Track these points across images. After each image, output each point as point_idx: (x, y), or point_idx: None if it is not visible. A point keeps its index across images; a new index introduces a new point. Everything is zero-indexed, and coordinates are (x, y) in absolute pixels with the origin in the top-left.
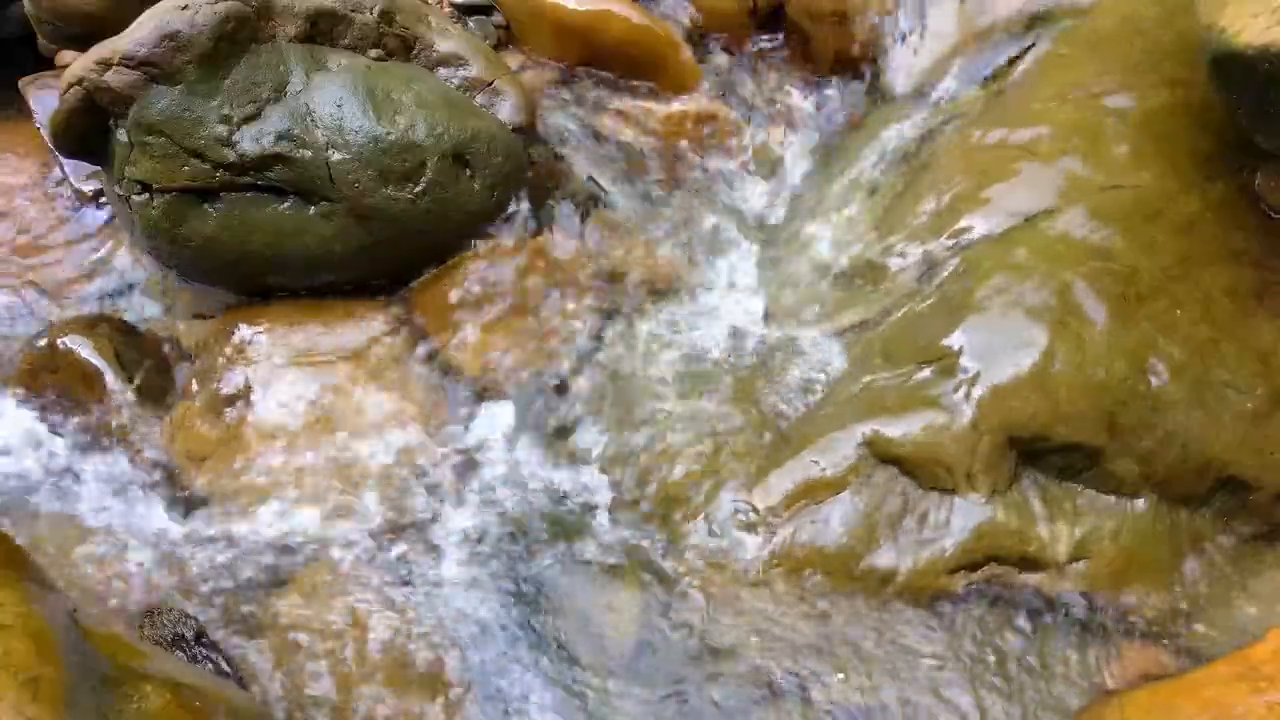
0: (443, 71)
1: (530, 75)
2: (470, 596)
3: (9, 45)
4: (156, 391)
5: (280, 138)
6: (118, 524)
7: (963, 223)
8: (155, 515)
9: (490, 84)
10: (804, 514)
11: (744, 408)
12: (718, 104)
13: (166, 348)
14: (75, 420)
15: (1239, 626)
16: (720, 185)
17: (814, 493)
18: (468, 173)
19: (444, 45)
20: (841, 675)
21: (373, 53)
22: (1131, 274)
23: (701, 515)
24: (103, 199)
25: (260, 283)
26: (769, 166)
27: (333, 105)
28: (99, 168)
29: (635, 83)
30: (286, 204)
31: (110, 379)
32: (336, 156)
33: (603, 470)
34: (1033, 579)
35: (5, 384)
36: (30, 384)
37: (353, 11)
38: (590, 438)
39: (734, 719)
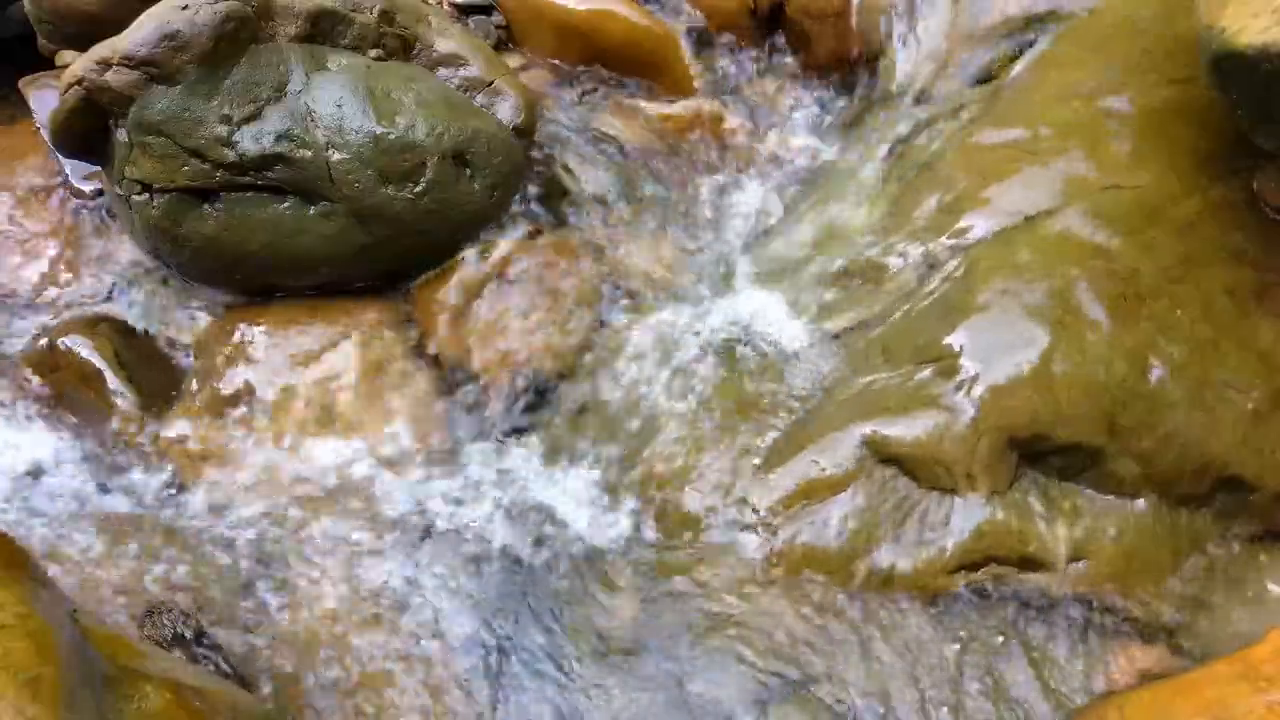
0: (443, 71)
1: (530, 75)
2: (468, 595)
3: (9, 45)
4: (156, 391)
5: (280, 138)
6: (117, 523)
7: (963, 223)
8: (155, 515)
9: (490, 84)
10: (804, 514)
11: (743, 407)
12: (718, 104)
13: (166, 348)
14: (75, 420)
15: (1239, 626)
16: (720, 185)
17: (814, 493)
18: (468, 173)
19: (444, 45)
20: (841, 675)
21: (373, 53)
22: (1131, 274)
23: (701, 515)
24: (103, 199)
25: (260, 283)
26: (768, 166)
27: (333, 105)
28: (99, 167)
29: (636, 83)
30: (286, 204)
31: (110, 379)
32: (336, 156)
33: (601, 470)
34: (1033, 579)
35: (5, 384)
36: (30, 384)
37: (353, 11)
38: (589, 437)
39: (732, 719)
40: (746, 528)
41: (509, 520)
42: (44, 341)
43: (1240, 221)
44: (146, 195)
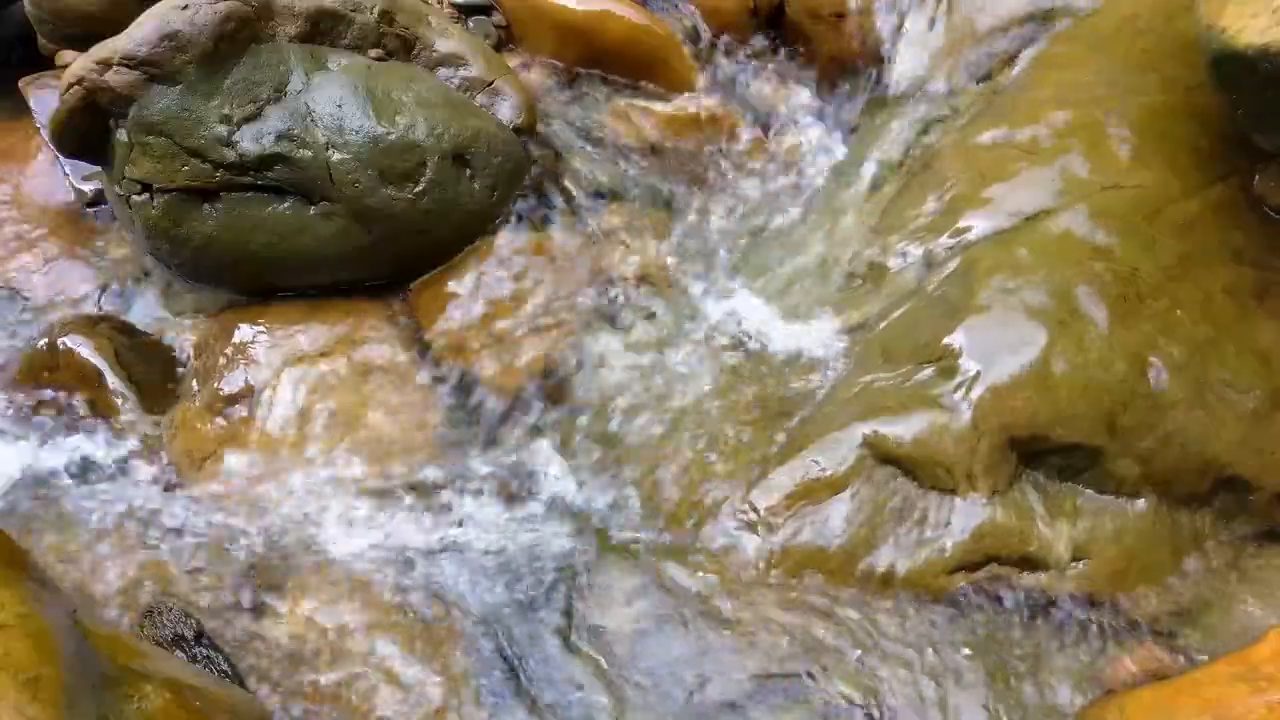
0: (443, 71)
1: (530, 75)
2: (469, 596)
3: (9, 45)
4: (156, 391)
5: (280, 138)
6: (117, 523)
7: (963, 223)
8: (155, 515)
9: (490, 84)
10: (804, 514)
11: (744, 407)
12: (718, 104)
13: (166, 348)
14: (75, 420)
15: (1239, 626)
16: (720, 185)
17: (814, 493)
18: (468, 173)
19: (444, 45)
20: (841, 675)
21: (373, 53)
22: (1131, 274)
23: (701, 515)
24: (103, 199)
25: (260, 282)
26: (768, 166)
27: (333, 105)
28: (99, 168)
29: (635, 83)
30: (286, 204)
31: (110, 379)
32: (336, 156)
33: (602, 470)
34: (1033, 579)
35: (5, 384)
36: (30, 384)
37: (353, 11)
38: (589, 437)
39: (732, 719)
40: (746, 527)
41: (507, 521)
42: (44, 341)
43: (1240, 221)
44: (146, 195)
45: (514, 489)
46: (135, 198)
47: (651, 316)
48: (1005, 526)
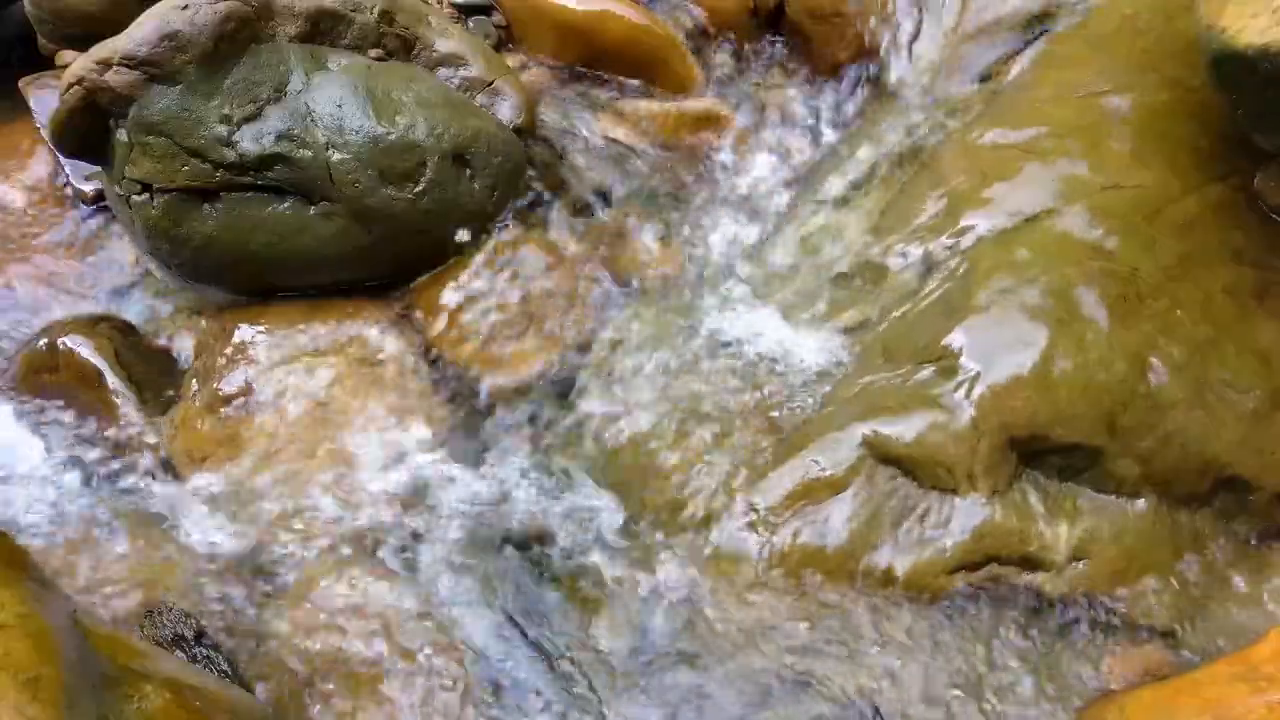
0: (443, 71)
1: (530, 75)
2: (469, 596)
3: (9, 45)
4: (156, 391)
5: (280, 138)
6: (117, 524)
7: (963, 223)
8: (154, 515)
9: (490, 84)
10: (804, 514)
11: (743, 407)
12: (718, 104)
13: (166, 348)
14: (75, 420)
15: (1239, 626)
16: (720, 185)
17: (814, 493)
18: (468, 173)
19: (444, 45)
20: (841, 675)
21: (373, 53)
22: (1132, 274)
23: (701, 515)
24: (103, 199)
25: (260, 283)
26: (769, 166)
27: (333, 105)
28: (99, 168)
29: (636, 82)
30: (286, 204)
31: (110, 379)
32: (336, 156)
33: (601, 470)
34: (1033, 579)
35: (4, 384)
36: (30, 384)
37: (353, 11)
38: (590, 437)
39: None
40: (746, 528)
41: (509, 520)
42: (44, 341)
43: (1240, 221)
44: (146, 195)
45: (509, 489)
46: (135, 198)
47: (651, 316)
48: (1005, 526)
